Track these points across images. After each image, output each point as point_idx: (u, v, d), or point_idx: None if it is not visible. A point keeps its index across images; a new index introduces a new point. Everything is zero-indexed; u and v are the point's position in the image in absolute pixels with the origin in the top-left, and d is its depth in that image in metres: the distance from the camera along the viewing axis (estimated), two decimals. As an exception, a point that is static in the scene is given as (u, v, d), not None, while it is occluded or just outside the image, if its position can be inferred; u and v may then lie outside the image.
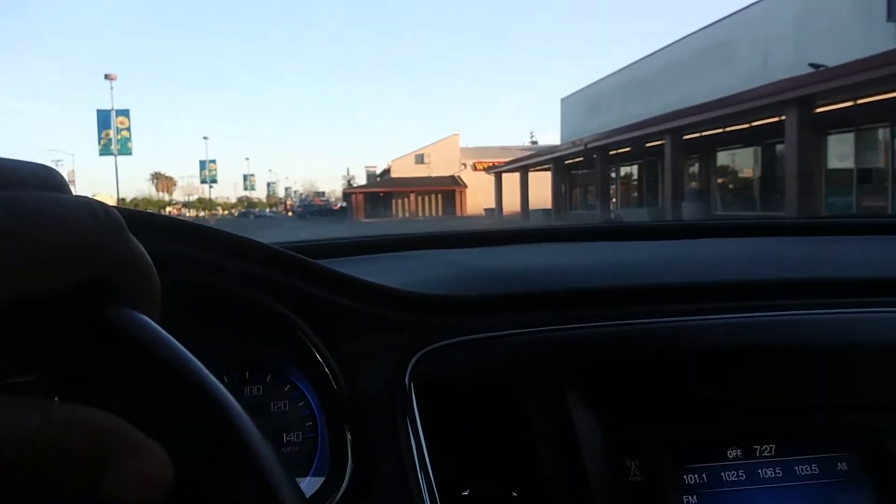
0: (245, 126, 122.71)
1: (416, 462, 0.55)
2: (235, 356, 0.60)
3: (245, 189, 66.14)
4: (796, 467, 0.58)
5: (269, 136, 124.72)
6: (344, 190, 51.63)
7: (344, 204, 51.15)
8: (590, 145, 18.25)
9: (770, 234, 1.14)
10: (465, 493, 0.55)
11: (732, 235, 1.14)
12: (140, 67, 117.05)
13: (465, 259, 0.90)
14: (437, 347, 0.60)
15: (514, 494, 0.55)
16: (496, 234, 1.19)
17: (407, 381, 0.58)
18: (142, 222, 0.47)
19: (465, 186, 42.92)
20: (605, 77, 24.05)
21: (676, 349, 0.62)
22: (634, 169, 21.66)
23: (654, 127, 14.96)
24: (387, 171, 48.62)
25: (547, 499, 0.55)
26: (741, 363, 0.61)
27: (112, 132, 30.49)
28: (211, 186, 52.22)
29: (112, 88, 33.40)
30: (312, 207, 52.22)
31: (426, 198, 44.63)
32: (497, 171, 29.53)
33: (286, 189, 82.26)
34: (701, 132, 15.03)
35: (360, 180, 54.76)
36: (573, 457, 0.56)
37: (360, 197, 43.98)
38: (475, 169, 44.17)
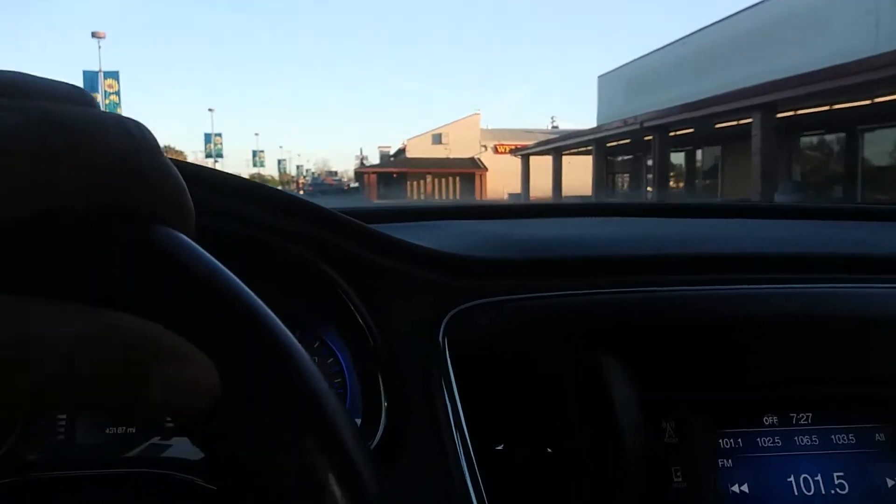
0: (254, 101, 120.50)
1: (451, 418, 0.55)
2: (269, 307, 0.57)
3: (254, 165, 62.76)
4: (833, 436, 0.58)
5: (280, 112, 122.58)
6: (356, 169, 46.99)
7: (356, 184, 48.42)
8: (647, 124, 15.20)
9: (804, 218, 1.13)
10: (499, 448, 0.55)
11: (768, 217, 1.12)
12: (135, 30, 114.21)
13: (498, 229, 0.91)
14: (472, 307, 0.61)
15: (549, 451, 0.55)
16: (532, 207, 1.25)
17: (441, 338, 0.59)
18: (191, 173, 0.47)
19: (486, 169, 39.88)
20: (652, 52, 20.86)
21: (712, 316, 0.61)
22: (701, 153, 18.68)
23: (739, 102, 11.90)
24: (402, 151, 45.36)
25: (581, 456, 0.55)
26: (778, 332, 0.61)
27: (100, 96, 28.11)
28: (216, 161, 49.58)
29: (100, 48, 31.22)
30: (324, 186, 50.26)
31: (444, 180, 41.60)
32: (525, 154, 26.55)
33: (298, 167, 79.59)
34: (803, 109, 11.93)
35: (374, 160, 51.68)
36: (607, 417, 0.56)
37: (374, 177, 40.94)
38: (497, 151, 41.12)
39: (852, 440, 0.58)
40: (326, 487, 0.21)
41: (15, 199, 0.17)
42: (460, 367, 0.58)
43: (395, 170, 42.12)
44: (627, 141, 17.57)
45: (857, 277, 0.69)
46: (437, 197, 40.22)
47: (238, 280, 0.22)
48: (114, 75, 29.86)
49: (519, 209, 1.13)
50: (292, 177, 73.92)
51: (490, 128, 43.40)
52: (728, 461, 0.56)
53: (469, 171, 40.29)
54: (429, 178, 40.43)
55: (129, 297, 0.20)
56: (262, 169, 63.75)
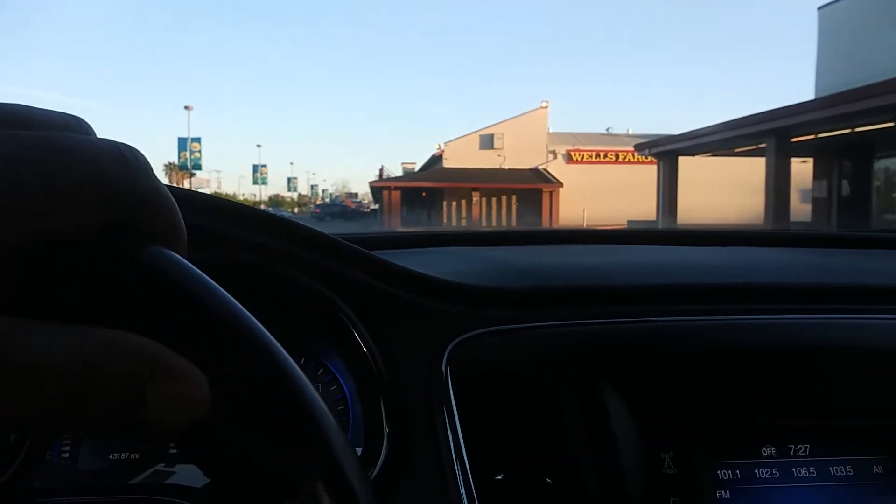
0: (261, 113, 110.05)
1: (452, 447, 0.55)
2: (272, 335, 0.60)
3: (255, 182, 53.99)
4: (831, 468, 0.58)
5: (293, 129, 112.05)
6: (372, 184, 33.95)
7: (375, 206, 36.82)
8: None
9: (809, 246, 1.14)
10: (499, 478, 0.56)
11: (772, 245, 1.13)
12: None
13: (505, 256, 0.92)
14: (474, 336, 0.61)
15: (548, 481, 0.56)
16: (529, 233, 1.23)
17: (444, 366, 0.59)
18: (186, 199, 0.49)
19: (559, 185, 27.56)
20: None
21: (712, 347, 0.62)
22: None
23: None
24: (437, 160, 33.10)
25: (580, 487, 0.55)
26: (777, 363, 0.61)
27: (187, 154, 33.50)
28: (193, 174, 39.00)
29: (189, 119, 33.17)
30: (334, 209, 42.43)
31: (496, 199, 29.43)
32: (671, 152, 14.53)
33: (312, 187, 73.25)
34: None
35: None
36: (606, 447, 0.56)
37: (397, 195, 28.96)
38: (571, 160, 28.80)
39: (850, 472, 0.58)
40: None
41: (13, 221, 0.18)
42: (462, 395, 0.58)
43: (427, 184, 29.79)
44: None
45: (856, 308, 0.68)
46: (486, 223, 27.98)
47: (230, 297, 0.22)
48: (197, 140, 34.97)
49: (522, 235, 1.18)
50: (309, 198, 67.58)
51: (556, 131, 31.11)
52: (726, 492, 0.56)
53: (533, 186, 28.01)
54: (475, 197, 28.11)
55: (124, 313, 0.20)
56: (263, 186, 53.98)
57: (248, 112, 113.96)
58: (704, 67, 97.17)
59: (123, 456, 0.63)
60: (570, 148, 29.36)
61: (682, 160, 15.52)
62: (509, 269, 0.78)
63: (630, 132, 32.88)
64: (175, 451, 0.63)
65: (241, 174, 66.53)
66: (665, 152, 15.49)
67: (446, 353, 0.60)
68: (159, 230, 0.22)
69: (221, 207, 0.54)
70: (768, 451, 0.58)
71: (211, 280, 0.22)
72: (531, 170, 28.91)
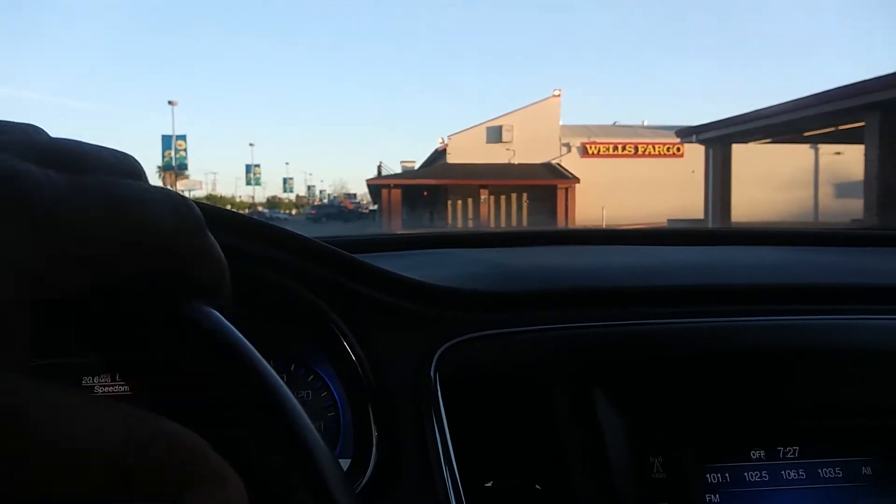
0: (252, 113, 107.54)
1: (441, 453, 0.55)
2: (258, 344, 0.56)
3: (248, 183, 51.77)
4: (820, 470, 0.58)
5: (287, 128, 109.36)
6: (368, 181, 30.25)
7: (374, 207, 34.46)
8: None
9: (804, 244, 1.13)
10: (489, 485, 0.56)
11: (768, 243, 1.11)
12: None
13: (497, 258, 0.91)
14: (463, 340, 0.61)
15: (538, 487, 0.56)
16: (526, 234, 1.20)
17: (432, 372, 0.59)
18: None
19: (575, 180, 25.10)
20: None
21: (701, 349, 0.62)
22: None
23: None
24: (440, 155, 29.80)
25: (570, 493, 0.56)
26: (766, 365, 0.61)
27: (172, 152, 31.92)
28: (181, 174, 36.61)
29: (173, 114, 31.71)
30: (331, 210, 41.31)
31: (504, 197, 26.97)
32: (723, 139, 12.19)
33: (309, 188, 72.22)
34: None
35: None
36: (596, 452, 0.56)
37: (397, 194, 26.48)
38: (587, 153, 26.38)
39: (839, 474, 0.58)
40: None
41: (82, 271, 0.18)
42: (451, 401, 0.58)
43: (430, 181, 27.30)
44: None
45: (847, 308, 0.68)
46: (495, 224, 25.54)
47: (272, 372, 0.23)
48: (183, 137, 32.54)
49: (514, 236, 1.15)
50: (306, 199, 66.46)
51: (568, 123, 28.56)
52: (715, 496, 0.57)
53: (546, 182, 25.53)
54: (483, 195, 25.65)
55: (169, 376, 0.21)
56: (258, 187, 52.04)
57: (241, 111, 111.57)
58: (724, 57, 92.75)
59: None
60: (586, 141, 26.87)
61: (736, 149, 13.04)
62: (501, 272, 0.78)
63: (645, 123, 30.38)
64: None
65: (238, 176, 64.37)
66: (715, 139, 13.02)
67: (435, 359, 0.59)
68: (208, 283, 0.22)
69: (207, 214, 0.45)
70: (757, 453, 0.58)
71: (253, 349, 0.23)
72: (544, 164, 26.47)
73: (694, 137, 14.17)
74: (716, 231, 1.12)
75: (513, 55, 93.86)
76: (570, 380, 0.58)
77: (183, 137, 33.77)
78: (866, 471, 0.58)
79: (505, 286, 0.68)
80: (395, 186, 26.16)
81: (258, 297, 0.57)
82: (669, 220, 14.23)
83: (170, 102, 35.48)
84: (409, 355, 0.60)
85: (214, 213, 0.53)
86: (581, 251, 1.06)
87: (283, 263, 0.57)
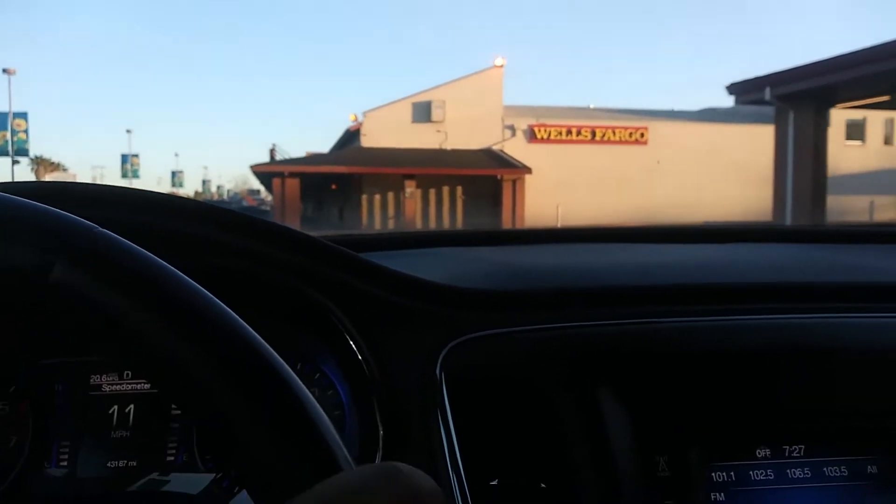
0: (173, 121, 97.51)
1: (446, 452, 0.56)
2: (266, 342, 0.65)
3: (173, 186, 49.55)
4: (825, 469, 0.58)
5: (200, 131, 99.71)
6: (255, 168, 21.74)
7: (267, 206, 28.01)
8: None
9: (808, 241, 1.12)
10: (494, 483, 0.56)
11: (771, 241, 1.11)
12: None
13: (502, 257, 0.90)
14: (469, 339, 0.61)
15: (543, 486, 0.56)
16: (530, 232, 1.19)
17: (438, 371, 0.59)
18: (174, 207, 0.52)
19: (526, 171, 19.74)
20: None
21: (706, 348, 0.62)
22: None
23: None
24: (353, 136, 22.65)
25: (575, 491, 0.56)
26: (771, 364, 0.61)
27: (8, 134, 25.25)
28: (17, 161, 29.44)
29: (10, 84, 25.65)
30: (229, 206, 32.83)
31: (434, 191, 21.25)
32: (816, 95, 6.56)
33: (204, 182, 70.71)
34: None
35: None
36: (602, 450, 0.56)
37: (294, 185, 20.02)
38: (534, 138, 21.21)
39: (844, 472, 0.58)
40: None
41: None
42: (457, 399, 0.58)
43: (338, 169, 20.98)
44: None
45: (853, 306, 0.68)
46: (423, 224, 19.89)
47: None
48: (23, 115, 27.83)
49: (515, 235, 1.13)
50: (202, 194, 65.15)
51: (513, 104, 23.18)
52: (721, 495, 0.57)
53: (488, 171, 20.04)
54: (409, 188, 19.86)
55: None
56: (180, 189, 48.04)
57: (116, 97, 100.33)
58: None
59: (121, 464, 0.63)
60: (534, 123, 21.60)
61: (835, 114, 7.90)
62: (503, 271, 0.78)
63: (592, 107, 25.52)
64: (171, 458, 0.63)
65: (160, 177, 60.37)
66: (802, 93, 7.85)
67: (440, 358, 0.59)
68: None
69: (213, 214, 0.54)
70: (763, 452, 0.58)
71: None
72: (484, 151, 20.93)
73: (767, 91, 8.88)
74: (722, 228, 1.01)
75: (442, 10, 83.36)
76: (575, 378, 0.58)
77: (23, 116, 26.90)
78: (872, 469, 0.58)
79: (511, 285, 0.68)
80: (291, 175, 19.80)
81: (265, 297, 0.58)
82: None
83: (5, 71, 27.55)
84: (416, 355, 0.60)
85: (220, 214, 0.54)
86: (584, 249, 1.04)
87: (290, 263, 0.57)
